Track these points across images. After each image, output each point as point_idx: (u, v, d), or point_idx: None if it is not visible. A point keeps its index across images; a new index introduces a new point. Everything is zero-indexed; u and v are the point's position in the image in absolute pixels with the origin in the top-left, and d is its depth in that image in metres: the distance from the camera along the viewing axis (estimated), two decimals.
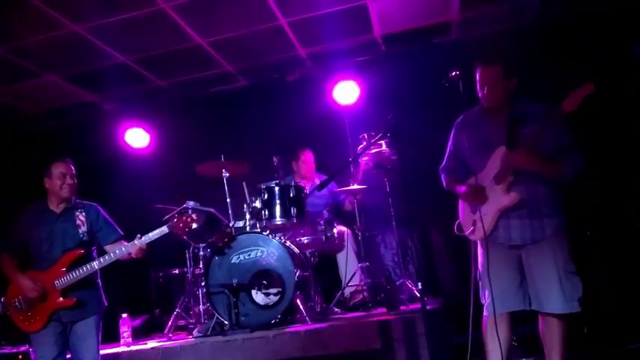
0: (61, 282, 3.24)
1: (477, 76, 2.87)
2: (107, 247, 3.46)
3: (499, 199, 2.83)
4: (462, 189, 3.00)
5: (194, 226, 3.42)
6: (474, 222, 2.92)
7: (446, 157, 3.21)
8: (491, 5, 4.83)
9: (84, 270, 3.25)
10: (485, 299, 2.91)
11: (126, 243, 3.39)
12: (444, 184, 3.20)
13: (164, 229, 3.36)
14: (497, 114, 2.91)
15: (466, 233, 3.02)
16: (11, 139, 5.94)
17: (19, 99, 5.70)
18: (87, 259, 3.33)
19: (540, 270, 2.79)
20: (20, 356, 4.06)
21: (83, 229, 3.38)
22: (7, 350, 4.12)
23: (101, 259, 3.31)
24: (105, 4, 4.18)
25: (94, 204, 3.55)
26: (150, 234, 3.34)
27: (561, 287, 2.74)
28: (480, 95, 2.91)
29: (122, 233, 3.54)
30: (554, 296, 2.74)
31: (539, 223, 2.80)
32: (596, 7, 4.79)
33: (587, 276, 4.25)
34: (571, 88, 2.58)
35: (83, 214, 3.42)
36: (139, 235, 3.32)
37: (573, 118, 2.66)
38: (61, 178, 3.35)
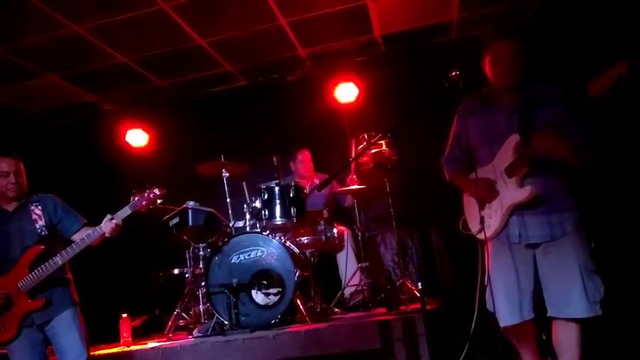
0: (25, 283, 2.99)
1: (489, 52, 2.62)
2: (74, 238, 3.20)
3: (512, 193, 2.56)
4: (471, 182, 2.73)
5: (158, 201, 3.25)
6: (482, 219, 2.66)
7: (449, 146, 2.93)
8: (491, 5, 4.83)
9: (48, 266, 3.01)
10: (495, 307, 2.62)
11: (91, 229, 3.17)
12: (448, 175, 2.93)
13: (126, 210, 3.14)
14: (507, 97, 2.64)
15: (473, 232, 2.77)
16: (11, 139, 5.94)
17: (19, 99, 5.69)
18: (50, 255, 3.06)
19: (559, 270, 2.52)
20: None
21: (41, 223, 3.14)
22: None
23: (68, 250, 3.06)
24: (105, 4, 4.18)
25: (50, 195, 3.32)
26: (117, 213, 3.13)
27: (584, 288, 2.45)
28: (490, 74, 2.64)
29: (85, 220, 3.30)
30: (576, 298, 2.46)
31: (558, 218, 2.54)
32: (597, 7, 4.78)
33: None
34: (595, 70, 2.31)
35: (39, 207, 3.19)
36: (109, 216, 3.11)
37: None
38: (3, 177, 3.11)
